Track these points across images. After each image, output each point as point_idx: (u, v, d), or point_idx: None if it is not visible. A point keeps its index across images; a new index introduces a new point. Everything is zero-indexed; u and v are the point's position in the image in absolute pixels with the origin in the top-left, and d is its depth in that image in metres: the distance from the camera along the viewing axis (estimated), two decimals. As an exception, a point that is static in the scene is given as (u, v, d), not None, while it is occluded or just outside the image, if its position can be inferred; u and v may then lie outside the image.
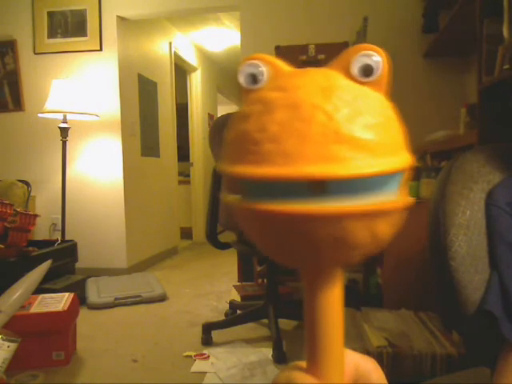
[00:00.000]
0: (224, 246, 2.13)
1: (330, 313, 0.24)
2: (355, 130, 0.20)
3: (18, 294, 1.75)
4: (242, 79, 0.23)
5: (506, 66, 1.50)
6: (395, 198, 0.22)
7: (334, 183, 0.21)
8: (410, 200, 0.22)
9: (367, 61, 0.22)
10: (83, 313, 2.38)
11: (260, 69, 0.23)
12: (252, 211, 0.21)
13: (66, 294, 2.01)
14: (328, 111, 0.20)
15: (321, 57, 2.93)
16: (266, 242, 0.23)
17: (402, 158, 0.22)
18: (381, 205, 0.21)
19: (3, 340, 1.56)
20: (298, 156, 0.20)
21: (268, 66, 0.23)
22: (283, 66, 0.23)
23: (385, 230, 0.22)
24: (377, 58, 0.22)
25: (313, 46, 2.94)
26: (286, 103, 0.21)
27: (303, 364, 0.26)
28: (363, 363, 0.27)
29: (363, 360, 0.27)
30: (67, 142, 3.22)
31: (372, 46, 0.22)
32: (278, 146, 0.20)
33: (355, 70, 0.22)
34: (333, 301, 0.24)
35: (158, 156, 4.31)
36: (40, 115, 3.18)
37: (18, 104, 3.59)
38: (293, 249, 0.22)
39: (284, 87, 0.22)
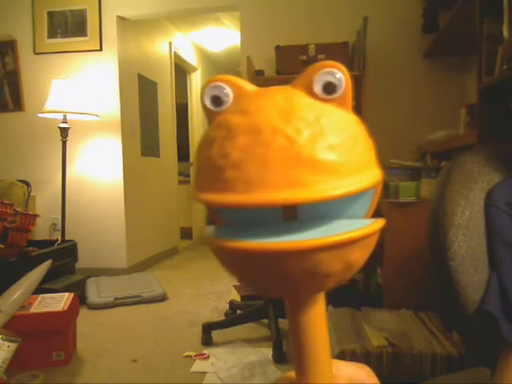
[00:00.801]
0: (224, 246, 2.13)
1: (313, 332, 0.25)
2: (318, 152, 0.20)
3: (17, 294, 1.75)
4: (206, 102, 0.23)
5: (506, 66, 1.50)
6: (365, 224, 0.21)
7: (303, 210, 0.20)
8: (381, 223, 0.22)
9: (329, 78, 0.22)
10: (83, 313, 2.38)
11: (224, 91, 0.23)
12: (223, 248, 0.21)
13: (66, 294, 2.01)
14: (288, 134, 0.20)
15: (321, 57, 2.92)
16: (240, 276, 0.23)
17: (368, 176, 0.21)
18: (351, 234, 0.20)
19: (3, 340, 1.56)
20: (260, 183, 0.20)
21: (231, 87, 0.23)
22: (247, 86, 0.23)
23: (356, 256, 0.21)
24: (339, 74, 0.22)
25: (313, 45, 2.94)
26: (247, 128, 0.20)
27: (292, 374, 0.26)
28: (356, 374, 0.27)
29: (356, 370, 0.27)
30: (67, 142, 3.22)
31: (334, 62, 0.22)
32: (239, 173, 0.20)
33: (318, 88, 0.22)
34: (314, 321, 0.24)
35: (158, 156, 4.31)
36: (40, 115, 3.18)
37: (18, 104, 3.59)
38: (266, 281, 0.22)
39: (245, 110, 0.21)
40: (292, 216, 0.21)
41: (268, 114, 0.20)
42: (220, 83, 0.23)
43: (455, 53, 2.90)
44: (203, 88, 0.23)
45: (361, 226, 0.21)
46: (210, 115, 0.23)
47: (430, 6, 2.79)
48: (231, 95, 0.23)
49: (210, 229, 0.23)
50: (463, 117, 2.20)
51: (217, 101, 0.23)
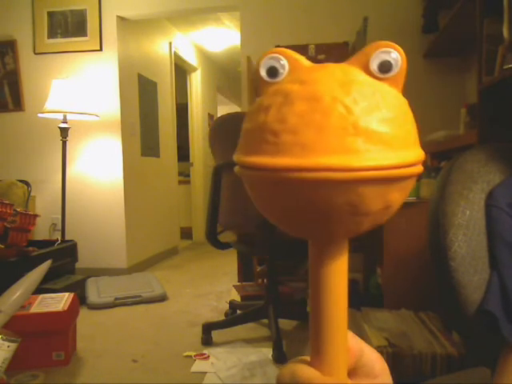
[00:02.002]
0: (224, 246, 2.13)
1: (336, 283, 0.25)
2: (372, 123, 0.21)
3: (17, 293, 1.75)
4: (263, 72, 0.24)
5: (507, 66, 1.50)
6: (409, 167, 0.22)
7: None
8: (420, 168, 0.23)
9: (386, 57, 0.23)
10: (83, 313, 2.39)
11: (281, 62, 0.23)
12: (266, 179, 0.22)
13: (66, 294, 2.01)
14: (347, 104, 0.21)
15: (321, 57, 2.93)
16: (279, 211, 0.23)
17: (415, 153, 0.22)
18: (393, 171, 0.21)
19: (3, 340, 1.56)
20: (316, 147, 0.21)
21: (288, 59, 0.24)
22: (303, 60, 0.24)
23: (395, 196, 0.22)
24: (395, 54, 0.23)
25: (313, 46, 2.94)
26: (306, 95, 0.21)
27: (307, 358, 0.26)
28: (368, 352, 0.27)
29: (369, 349, 0.27)
30: (67, 142, 3.22)
31: (391, 43, 0.23)
32: (296, 137, 0.21)
33: (374, 66, 0.23)
34: (339, 272, 0.25)
35: (158, 156, 4.31)
36: (40, 115, 3.18)
37: (18, 104, 3.59)
38: (305, 216, 0.22)
39: (304, 80, 0.22)
40: None
41: (327, 84, 0.22)
42: (277, 55, 0.24)
43: (455, 53, 2.90)
44: (260, 59, 0.24)
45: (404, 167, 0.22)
46: (262, 86, 0.24)
47: (430, 6, 2.78)
48: (287, 67, 0.23)
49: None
50: (463, 117, 2.20)
51: (272, 72, 0.24)
